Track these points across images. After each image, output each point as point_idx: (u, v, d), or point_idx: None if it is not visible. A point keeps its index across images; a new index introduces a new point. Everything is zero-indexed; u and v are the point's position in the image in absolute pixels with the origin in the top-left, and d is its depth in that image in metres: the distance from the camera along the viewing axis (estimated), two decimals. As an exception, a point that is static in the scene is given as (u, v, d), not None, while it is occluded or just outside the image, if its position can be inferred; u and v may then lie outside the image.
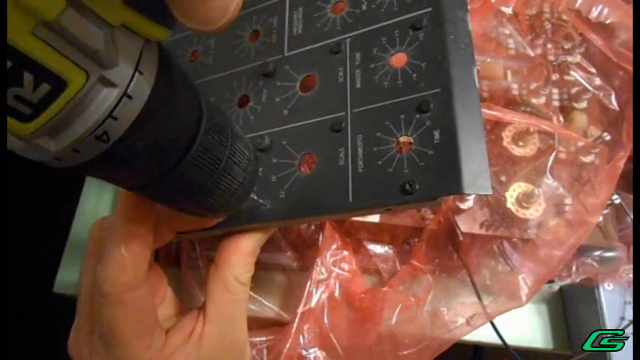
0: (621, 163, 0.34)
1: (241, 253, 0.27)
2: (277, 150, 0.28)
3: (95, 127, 0.15)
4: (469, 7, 0.26)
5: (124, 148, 0.16)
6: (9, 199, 0.57)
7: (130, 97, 0.15)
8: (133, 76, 0.15)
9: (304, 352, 0.35)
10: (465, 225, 0.36)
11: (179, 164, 0.19)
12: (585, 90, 0.37)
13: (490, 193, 0.22)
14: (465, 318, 0.34)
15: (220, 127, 0.21)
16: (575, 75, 0.38)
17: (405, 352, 0.34)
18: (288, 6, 0.32)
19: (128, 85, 0.15)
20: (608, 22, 0.36)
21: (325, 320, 0.36)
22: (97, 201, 0.46)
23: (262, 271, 0.41)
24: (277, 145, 0.28)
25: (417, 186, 0.23)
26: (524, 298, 0.33)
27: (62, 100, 0.14)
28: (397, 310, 0.35)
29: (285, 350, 0.35)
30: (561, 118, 0.38)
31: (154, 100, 0.16)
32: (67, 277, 0.43)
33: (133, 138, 0.16)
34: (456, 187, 0.22)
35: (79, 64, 0.14)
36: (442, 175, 0.22)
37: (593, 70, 0.38)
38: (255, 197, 0.26)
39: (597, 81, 0.38)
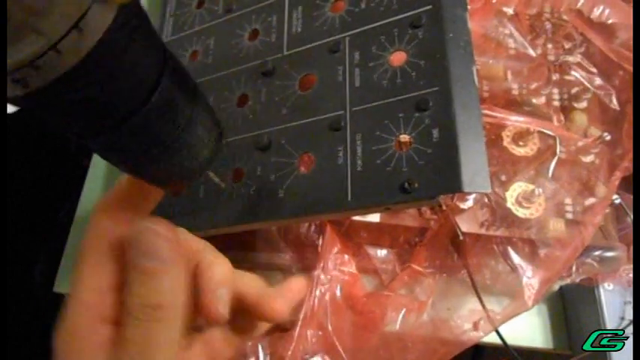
0: (621, 163, 0.34)
1: None
2: (276, 149, 0.28)
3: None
4: (469, 6, 0.26)
5: (81, 78, 0.15)
6: (9, 199, 0.57)
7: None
8: None
9: (307, 357, 0.35)
10: (465, 225, 0.35)
11: (138, 112, 0.17)
12: (585, 89, 0.37)
13: (489, 191, 0.21)
14: (471, 323, 0.34)
15: (185, 81, 0.19)
16: (576, 74, 0.38)
17: (411, 357, 0.34)
18: (287, 5, 0.32)
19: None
20: (609, 22, 0.36)
21: (328, 324, 0.36)
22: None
23: (262, 271, 0.41)
24: (276, 143, 0.28)
25: (416, 185, 0.23)
26: (529, 303, 0.33)
27: None
28: (401, 315, 0.35)
29: (289, 353, 0.34)
30: (562, 117, 0.38)
31: (115, 30, 0.15)
32: (67, 276, 0.42)
33: (93, 64, 0.15)
34: (455, 186, 0.22)
35: None
36: (441, 174, 0.22)
37: (594, 70, 0.38)
38: (216, 180, 0.26)
39: (598, 80, 0.38)
